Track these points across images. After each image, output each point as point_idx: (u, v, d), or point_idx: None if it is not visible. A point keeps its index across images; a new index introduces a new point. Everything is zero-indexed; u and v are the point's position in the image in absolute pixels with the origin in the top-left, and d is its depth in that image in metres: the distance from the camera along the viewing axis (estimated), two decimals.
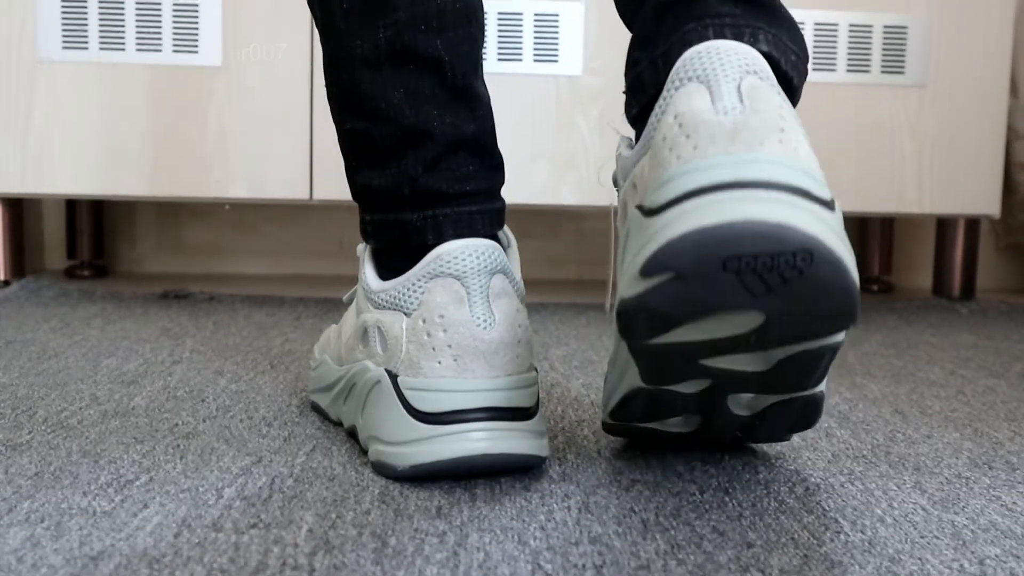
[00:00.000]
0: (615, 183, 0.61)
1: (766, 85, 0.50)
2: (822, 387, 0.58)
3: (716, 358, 0.54)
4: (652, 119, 0.53)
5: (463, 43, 0.63)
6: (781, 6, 0.57)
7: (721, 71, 0.49)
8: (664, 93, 0.52)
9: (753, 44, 0.53)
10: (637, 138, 0.58)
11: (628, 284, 0.48)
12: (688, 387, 0.57)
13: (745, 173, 0.46)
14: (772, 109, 0.48)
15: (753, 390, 0.57)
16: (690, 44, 0.52)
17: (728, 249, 0.45)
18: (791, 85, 0.55)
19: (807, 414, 0.60)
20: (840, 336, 0.52)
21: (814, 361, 0.54)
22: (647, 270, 0.47)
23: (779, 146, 0.47)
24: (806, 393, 0.58)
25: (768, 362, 0.54)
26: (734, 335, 0.50)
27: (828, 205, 0.47)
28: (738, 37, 0.53)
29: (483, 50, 0.65)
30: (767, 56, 0.53)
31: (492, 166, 0.65)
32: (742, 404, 0.60)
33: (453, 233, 0.62)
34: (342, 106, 0.65)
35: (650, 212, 0.48)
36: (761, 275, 0.46)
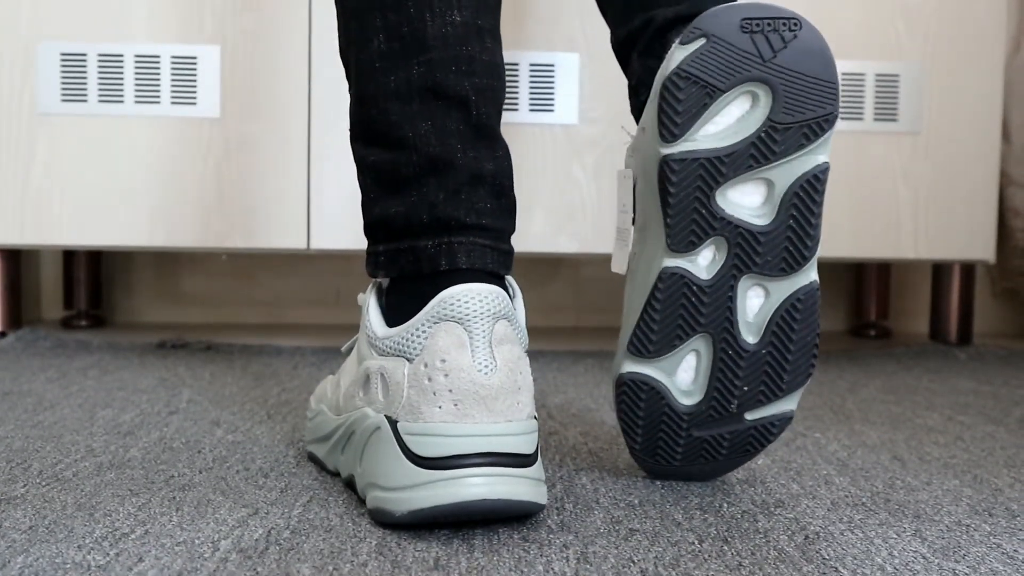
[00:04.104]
0: (621, 175, 0.72)
1: None
2: (814, 276, 0.67)
3: (730, 191, 0.65)
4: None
5: (488, 90, 0.66)
6: None
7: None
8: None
9: None
10: None
11: (672, 61, 0.64)
12: (705, 269, 0.66)
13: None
14: None
15: (759, 264, 0.66)
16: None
17: (745, 14, 0.63)
18: None
19: (804, 340, 0.67)
20: (824, 155, 0.65)
21: (810, 197, 0.65)
22: (686, 39, 0.64)
23: None
24: (802, 284, 0.66)
25: (771, 210, 0.65)
26: (747, 139, 0.64)
27: None
28: None
29: (503, 105, 0.68)
30: None
31: (507, 208, 0.67)
32: (750, 319, 0.67)
33: (466, 261, 0.63)
34: (368, 140, 0.67)
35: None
36: (767, 36, 0.64)
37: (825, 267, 1.64)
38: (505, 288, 0.65)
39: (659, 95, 0.64)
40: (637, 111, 0.73)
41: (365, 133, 0.67)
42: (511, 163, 0.67)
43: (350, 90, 0.68)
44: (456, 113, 0.65)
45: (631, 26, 0.73)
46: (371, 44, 0.66)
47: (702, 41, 0.63)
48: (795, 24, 0.64)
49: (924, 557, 0.57)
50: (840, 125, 1.34)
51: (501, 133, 0.68)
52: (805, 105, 0.64)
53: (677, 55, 0.64)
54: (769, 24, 0.63)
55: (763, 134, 0.64)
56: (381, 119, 0.65)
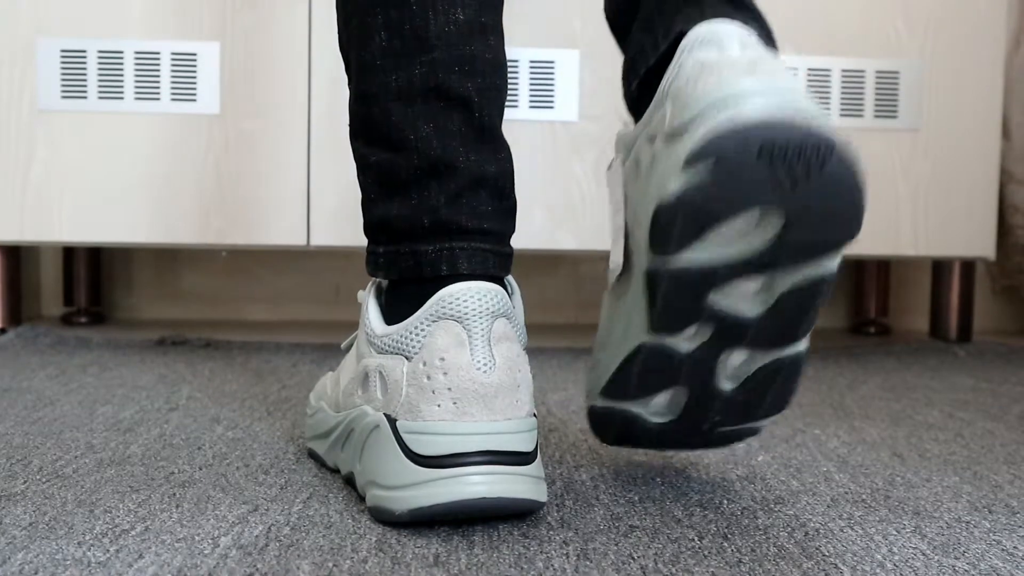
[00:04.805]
0: (610, 165, 0.67)
1: (760, 42, 0.59)
2: (804, 345, 0.62)
3: (725, 289, 0.58)
4: (666, 78, 0.59)
5: (490, 90, 0.65)
6: (761, 11, 0.66)
7: (728, 37, 0.58)
8: (676, 59, 0.59)
9: (743, 24, 0.61)
10: (636, 121, 0.66)
11: (670, 181, 0.54)
12: (687, 342, 0.61)
13: (772, 85, 0.54)
14: (771, 56, 0.58)
15: (747, 342, 0.61)
16: (691, 22, 0.61)
17: (765, 136, 0.52)
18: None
19: (784, 388, 0.64)
20: (836, 261, 0.57)
21: (811, 296, 0.59)
22: (691, 159, 0.53)
23: (789, 78, 0.56)
24: (789, 353, 0.62)
25: (768, 300, 0.58)
26: (751, 252, 0.56)
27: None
28: (730, 17, 0.61)
29: (506, 102, 0.67)
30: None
31: (508, 210, 0.66)
32: (729, 372, 0.63)
33: (467, 267, 0.63)
34: (369, 140, 0.66)
35: (681, 128, 0.55)
36: (790, 164, 0.52)
37: None
38: (504, 286, 0.65)
39: (651, 216, 0.56)
40: (628, 99, 0.68)
41: (366, 132, 0.66)
42: (513, 164, 0.67)
43: (350, 85, 0.68)
44: (458, 115, 0.64)
45: None
46: (372, 41, 0.65)
47: (709, 165, 0.53)
48: (828, 150, 0.53)
49: (924, 553, 0.57)
50: (840, 122, 1.35)
51: (503, 133, 0.67)
52: (822, 230, 0.56)
53: (675, 180, 0.54)
54: (795, 152, 0.52)
55: (768, 250, 0.56)
56: (382, 119, 0.65)
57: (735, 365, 0.64)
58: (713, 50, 0.57)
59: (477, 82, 0.64)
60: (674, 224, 0.55)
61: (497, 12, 0.67)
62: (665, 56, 0.63)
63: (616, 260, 0.67)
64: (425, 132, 0.63)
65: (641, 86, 0.66)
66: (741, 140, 0.52)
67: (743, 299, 0.59)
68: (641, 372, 0.64)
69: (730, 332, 0.60)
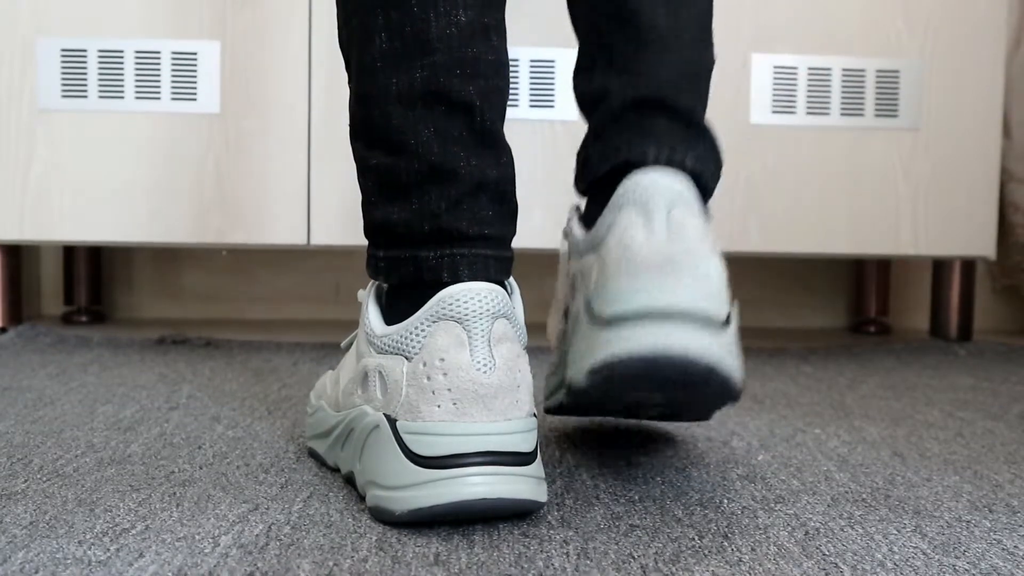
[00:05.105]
0: (565, 235, 0.74)
1: (690, 215, 0.63)
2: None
3: (635, 400, 0.69)
4: (601, 227, 0.66)
5: (493, 92, 0.64)
6: (708, 127, 0.71)
7: (658, 205, 0.63)
8: (608, 210, 0.65)
9: (683, 162, 0.67)
10: (586, 208, 0.73)
11: (578, 376, 0.63)
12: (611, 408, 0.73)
13: (667, 304, 0.60)
14: (693, 239, 0.62)
15: (663, 412, 0.73)
16: (636, 156, 0.68)
17: (653, 367, 0.60)
18: (708, 189, 0.70)
19: (704, 415, 0.74)
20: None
21: (713, 408, 0.70)
22: (592, 371, 0.61)
23: (694, 278, 0.61)
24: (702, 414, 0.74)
25: (675, 401, 0.68)
26: (649, 401, 0.68)
27: (726, 322, 0.62)
28: (671, 160, 0.67)
29: (507, 103, 0.67)
30: (692, 171, 0.68)
31: (509, 214, 0.66)
32: (651, 415, 0.75)
33: (468, 274, 0.62)
34: (369, 142, 0.66)
35: (597, 322, 0.63)
36: (673, 387, 0.62)
37: (825, 263, 1.64)
38: (504, 286, 0.65)
39: (565, 384, 0.67)
40: (578, 188, 0.74)
41: (366, 134, 0.66)
42: (514, 167, 0.66)
43: (350, 85, 0.67)
44: (460, 119, 0.63)
45: (591, 87, 0.73)
46: (373, 43, 0.64)
47: (606, 377, 0.61)
48: (705, 377, 0.60)
49: (924, 553, 0.57)
50: (841, 121, 1.35)
51: (504, 136, 0.66)
52: (704, 408, 0.70)
53: (581, 377, 0.63)
54: (679, 381, 0.61)
55: (663, 403, 0.69)
56: (382, 122, 0.64)
57: (656, 414, 0.74)
58: (640, 220, 0.63)
59: (479, 84, 0.63)
60: (582, 397, 0.66)
61: (500, 10, 0.66)
62: (610, 173, 0.69)
63: (551, 332, 0.77)
64: (425, 136, 0.63)
65: (589, 186, 0.72)
66: (633, 366, 0.60)
67: (654, 398, 0.68)
68: (574, 410, 0.75)
69: (646, 405, 0.70)
